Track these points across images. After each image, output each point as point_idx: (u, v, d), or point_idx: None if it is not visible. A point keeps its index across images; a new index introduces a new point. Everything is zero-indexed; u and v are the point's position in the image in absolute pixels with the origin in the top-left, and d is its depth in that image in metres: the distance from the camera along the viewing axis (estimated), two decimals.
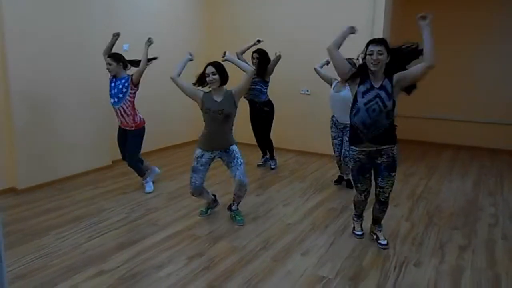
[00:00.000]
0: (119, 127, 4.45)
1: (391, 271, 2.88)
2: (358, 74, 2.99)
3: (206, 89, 3.55)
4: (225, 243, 3.31)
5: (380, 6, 5.65)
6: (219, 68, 3.42)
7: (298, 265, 2.96)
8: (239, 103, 3.59)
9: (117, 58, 4.21)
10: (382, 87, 2.91)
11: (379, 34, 5.64)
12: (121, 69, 4.22)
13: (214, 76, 3.40)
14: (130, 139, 4.38)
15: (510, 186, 4.94)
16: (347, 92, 4.18)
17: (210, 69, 3.40)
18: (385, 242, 3.26)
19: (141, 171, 4.54)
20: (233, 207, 3.80)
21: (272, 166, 5.58)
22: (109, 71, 4.23)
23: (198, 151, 3.59)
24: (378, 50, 2.83)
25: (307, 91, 6.37)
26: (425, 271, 2.88)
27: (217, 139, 3.56)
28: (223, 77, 3.45)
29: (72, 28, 4.82)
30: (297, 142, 6.57)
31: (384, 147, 3.00)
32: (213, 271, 2.85)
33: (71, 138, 4.96)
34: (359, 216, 3.51)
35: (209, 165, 3.64)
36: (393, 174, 3.07)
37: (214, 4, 7.05)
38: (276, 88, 5.95)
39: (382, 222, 3.35)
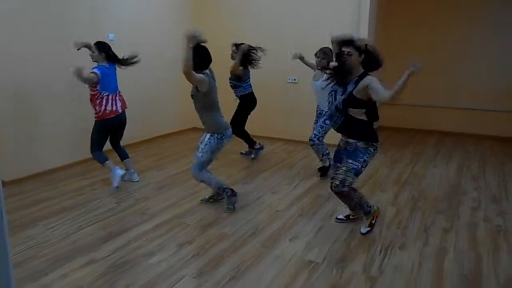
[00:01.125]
0: None
1: (376, 255, 2.96)
2: (334, 76, 3.10)
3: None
4: (215, 230, 3.36)
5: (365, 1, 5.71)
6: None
7: (287, 250, 3.02)
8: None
9: (100, 46, 4.18)
10: (345, 84, 3.04)
11: (364, 28, 5.69)
12: (102, 58, 4.17)
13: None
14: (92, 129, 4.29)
15: (491, 171, 5.07)
16: (321, 82, 4.34)
17: None
18: (364, 230, 3.29)
19: (99, 160, 4.27)
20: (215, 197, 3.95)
21: (252, 156, 5.54)
22: (92, 58, 4.21)
23: None
24: (348, 52, 2.90)
25: (295, 80, 6.41)
26: (409, 254, 2.96)
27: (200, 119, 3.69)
28: (195, 62, 3.28)
29: (55, 17, 4.76)
30: (285, 130, 6.61)
31: (351, 140, 3.09)
32: (203, 258, 2.90)
33: (58, 130, 4.92)
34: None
35: None
36: (350, 161, 3.05)
37: None
38: (264, 77, 5.97)
39: (369, 208, 3.32)
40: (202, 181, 3.73)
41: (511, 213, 3.74)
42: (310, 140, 4.65)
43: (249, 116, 5.48)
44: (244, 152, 5.70)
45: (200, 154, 3.61)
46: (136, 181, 4.52)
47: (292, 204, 3.93)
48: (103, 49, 4.18)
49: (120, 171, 4.27)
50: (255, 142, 5.53)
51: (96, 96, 4.15)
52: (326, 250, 3.02)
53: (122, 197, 4.08)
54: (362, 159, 3.03)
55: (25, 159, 4.59)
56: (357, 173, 3.04)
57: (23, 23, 4.42)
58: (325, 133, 4.63)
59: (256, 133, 6.60)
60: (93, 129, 4.26)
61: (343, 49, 2.94)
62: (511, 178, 4.76)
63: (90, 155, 4.32)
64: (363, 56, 2.95)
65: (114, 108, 4.23)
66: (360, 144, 3.05)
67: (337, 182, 3.07)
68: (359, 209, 3.33)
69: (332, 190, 3.16)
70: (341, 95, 3.02)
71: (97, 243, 3.11)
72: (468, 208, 3.86)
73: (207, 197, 3.98)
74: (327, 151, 4.68)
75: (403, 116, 7.47)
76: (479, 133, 7.07)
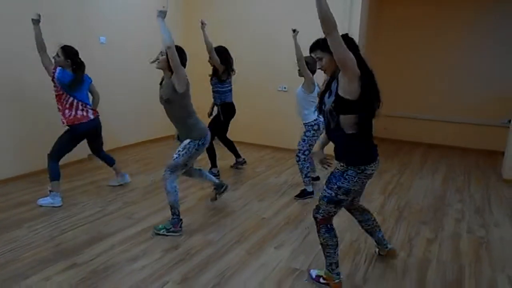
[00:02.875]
0: None
1: (361, 263, 2.98)
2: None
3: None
4: (200, 236, 3.35)
5: (356, 4, 5.78)
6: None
7: (272, 257, 3.02)
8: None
9: (66, 51, 3.83)
10: (330, 86, 2.47)
11: (355, 34, 5.76)
12: (68, 66, 3.84)
13: (161, 57, 3.22)
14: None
15: (476, 184, 5.14)
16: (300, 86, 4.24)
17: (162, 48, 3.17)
18: (313, 274, 2.74)
19: (51, 174, 3.90)
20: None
21: (232, 164, 5.43)
22: (55, 61, 3.87)
23: None
24: (318, 57, 2.50)
25: (285, 88, 6.44)
26: (393, 263, 2.99)
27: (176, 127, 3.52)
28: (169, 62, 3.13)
29: (45, 17, 4.73)
30: (274, 138, 6.64)
31: (339, 162, 2.53)
32: (188, 264, 2.88)
33: (45, 132, 4.87)
34: None
35: None
36: (325, 187, 2.53)
37: None
38: (254, 85, 6.01)
39: (329, 267, 2.65)
40: (165, 187, 3.36)
41: (494, 225, 3.80)
42: (296, 156, 4.38)
43: (230, 123, 5.27)
44: (236, 163, 5.46)
45: (175, 156, 3.35)
46: (129, 182, 4.55)
47: (279, 212, 3.94)
48: (69, 55, 3.83)
49: (58, 202, 3.85)
50: (239, 156, 5.39)
51: (62, 98, 3.84)
52: (311, 258, 3.03)
53: (108, 201, 4.05)
54: (336, 186, 2.45)
55: (13, 159, 4.55)
56: (330, 201, 2.48)
57: (11, 24, 4.39)
58: (310, 146, 4.29)
59: (245, 140, 6.64)
60: (62, 136, 3.95)
61: (312, 55, 2.54)
62: (495, 191, 4.83)
63: (47, 162, 3.91)
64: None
65: (85, 114, 3.95)
66: (341, 168, 2.49)
67: (314, 207, 2.63)
68: (324, 254, 2.65)
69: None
70: (328, 97, 2.44)
71: (81, 247, 3.08)
72: (452, 219, 3.90)
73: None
74: (309, 175, 4.35)
75: (391, 127, 7.55)
76: (465, 146, 7.18)
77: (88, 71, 4.06)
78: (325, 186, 2.54)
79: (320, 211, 2.55)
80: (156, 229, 3.36)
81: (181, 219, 3.41)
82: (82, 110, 3.94)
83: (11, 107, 4.51)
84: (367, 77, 2.29)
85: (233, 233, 3.43)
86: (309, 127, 4.27)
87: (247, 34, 6.57)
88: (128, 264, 2.85)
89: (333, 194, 2.47)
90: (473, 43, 6.96)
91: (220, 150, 5.21)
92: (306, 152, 4.29)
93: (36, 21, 3.76)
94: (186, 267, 2.83)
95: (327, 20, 2.07)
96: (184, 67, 3.24)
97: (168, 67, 3.20)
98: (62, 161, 4.32)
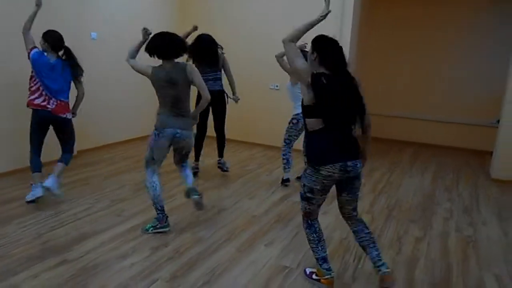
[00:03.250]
0: None
1: (350, 262, 3.00)
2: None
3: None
4: (190, 234, 3.34)
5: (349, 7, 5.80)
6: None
7: (262, 255, 3.03)
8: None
9: (47, 35, 3.75)
10: None
11: (347, 34, 5.78)
12: (49, 49, 3.75)
13: None
14: None
15: (465, 183, 5.20)
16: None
17: None
18: (307, 271, 2.77)
19: (30, 167, 3.90)
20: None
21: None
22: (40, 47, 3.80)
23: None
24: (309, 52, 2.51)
25: (277, 86, 6.45)
26: None
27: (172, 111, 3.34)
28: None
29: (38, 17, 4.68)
30: (265, 136, 6.64)
31: None
32: (177, 261, 2.88)
33: None
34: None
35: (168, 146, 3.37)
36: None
37: None
38: (246, 83, 5.99)
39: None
40: (145, 183, 3.38)
41: (482, 224, 3.85)
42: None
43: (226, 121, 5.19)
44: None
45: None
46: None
47: (269, 210, 3.95)
48: (49, 39, 3.73)
49: (39, 192, 3.74)
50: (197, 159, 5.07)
51: (32, 79, 3.76)
52: (301, 256, 3.04)
53: (97, 198, 4.03)
54: (302, 183, 2.53)
55: (2, 155, 4.49)
56: (301, 197, 2.56)
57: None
58: (289, 136, 4.56)
59: (236, 138, 6.64)
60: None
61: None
62: (483, 190, 4.89)
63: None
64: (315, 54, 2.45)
65: (42, 103, 3.76)
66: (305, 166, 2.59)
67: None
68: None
69: None
70: None
71: (70, 244, 3.06)
72: (440, 218, 3.94)
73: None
74: (287, 165, 4.62)
75: (382, 126, 7.60)
76: (455, 146, 7.26)
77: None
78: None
79: (301, 208, 2.63)
80: (144, 229, 3.33)
81: (166, 215, 3.35)
82: (44, 100, 3.77)
83: (2, 102, 4.45)
84: (318, 86, 2.33)
85: (223, 230, 3.43)
86: (290, 120, 4.57)
87: (240, 31, 6.56)
88: (117, 262, 2.83)
89: (302, 191, 2.55)
90: (461, 43, 7.03)
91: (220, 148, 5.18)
92: (286, 141, 4.61)
93: (38, 4, 3.73)
94: (176, 265, 2.83)
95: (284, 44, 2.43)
96: (167, 54, 3.21)
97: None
98: (50, 158, 4.28)
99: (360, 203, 4.13)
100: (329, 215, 3.75)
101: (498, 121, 5.69)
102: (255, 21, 6.49)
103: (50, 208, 3.71)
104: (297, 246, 3.20)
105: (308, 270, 2.78)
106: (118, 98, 6.08)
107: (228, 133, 5.41)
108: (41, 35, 3.74)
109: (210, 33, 4.82)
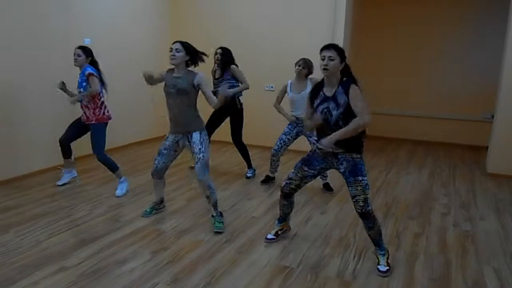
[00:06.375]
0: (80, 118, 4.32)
1: (350, 259, 3.01)
2: (312, 96, 2.90)
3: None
4: (190, 237, 3.34)
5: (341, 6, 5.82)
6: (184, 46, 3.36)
7: (262, 256, 3.03)
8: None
9: (87, 51, 4.12)
10: (333, 97, 2.74)
11: (340, 34, 5.80)
12: (86, 62, 4.12)
13: (178, 53, 3.33)
14: (92, 133, 4.24)
15: (461, 178, 5.22)
16: (306, 91, 4.27)
17: (176, 45, 3.34)
18: (383, 268, 2.81)
19: (113, 166, 4.29)
20: (213, 213, 3.53)
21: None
22: (75, 62, 4.10)
23: (168, 135, 3.57)
24: (329, 56, 2.67)
25: (272, 87, 6.46)
26: None
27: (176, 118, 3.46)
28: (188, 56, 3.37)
29: (30, 17, 4.67)
30: (261, 137, 6.64)
31: (352, 154, 2.85)
32: (178, 265, 2.87)
33: (30, 135, 4.81)
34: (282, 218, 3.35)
35: (175, 151, 3.54)
36: (360, 178, 2.82)
37: None
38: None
39: (384, 245, 2.92)
40: (208, 187, 3.40)
41: (479, 218, 3.87)
42: (273, 150, 4.66)
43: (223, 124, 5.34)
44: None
45: (201, 155, 3.35)
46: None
47: (268, 210, 3.95)
48: (90, 54, 4.13)
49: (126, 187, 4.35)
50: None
51: (94, 97, 4.14)
52: (301, 256, 3.04)
53: (95, 204, 4.01)
54: (365, 171, 2.88)
55: None
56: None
57: None
58: (282, 146, 4.65)
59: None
60: (95, 132, 4.20)
61: (324, 54, 2.70)
62: (480, 185, 4.92)
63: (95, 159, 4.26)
64: (343, 64, 2.73)
65: (108, 113, 4.31)
66: (357, 156, 2.85)
67: (362, 203, 2.79)
68: (379, 239, 2.89)
69: (359, 211, 2.83)
70: (336, 110, 2.72)
71: (69, 251, 3.04)
72: (438, 214, 3.96)
73: (148, 209, 3.77)
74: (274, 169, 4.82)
75: (378, 124, 7.62)
76: (450, 142, 7.30)
77: (72, 74, 4.02)
78: (360, 177, 2.82)
79: (369, 202, 2.88)
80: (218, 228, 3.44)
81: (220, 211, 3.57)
82: (108, 109, 4.38)
83: None
84: None
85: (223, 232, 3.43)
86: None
87: (235, 31, 6.56)
88: (117, 267, 2.82)
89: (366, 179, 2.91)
90: (453, 39, 7.08)
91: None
92: (281, 150, 4.70)
93: (62, 88, 4.21)
94: (176, 268, 2.82)
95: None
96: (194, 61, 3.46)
97: (183, 63, 3.38)
98: (46, 165, 4.27)
99: None
100: (328, 214, 3.75)
101: (493, 116, 5.73)
102: (249, 22, 6.50)
103: (48, 216, 3.69)
104: (296, 246, 3.20)
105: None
106: (113, 104, 6.05)
107: (225, 136, 5.43)
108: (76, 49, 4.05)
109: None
